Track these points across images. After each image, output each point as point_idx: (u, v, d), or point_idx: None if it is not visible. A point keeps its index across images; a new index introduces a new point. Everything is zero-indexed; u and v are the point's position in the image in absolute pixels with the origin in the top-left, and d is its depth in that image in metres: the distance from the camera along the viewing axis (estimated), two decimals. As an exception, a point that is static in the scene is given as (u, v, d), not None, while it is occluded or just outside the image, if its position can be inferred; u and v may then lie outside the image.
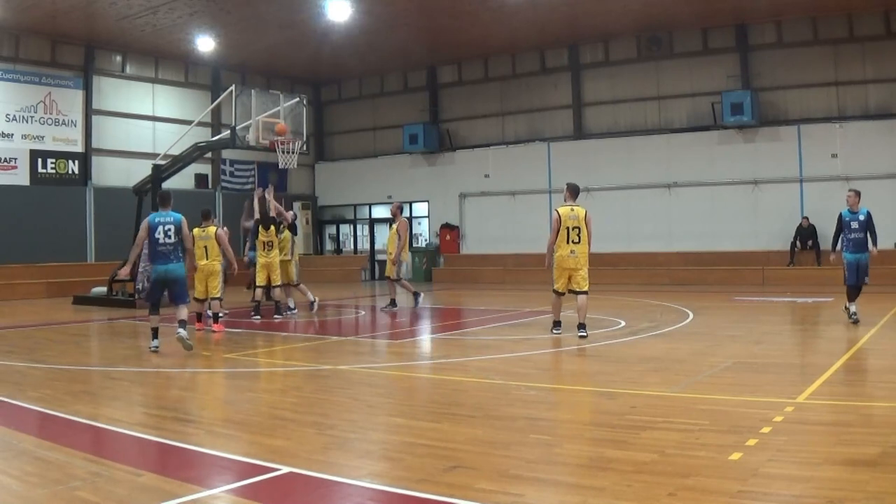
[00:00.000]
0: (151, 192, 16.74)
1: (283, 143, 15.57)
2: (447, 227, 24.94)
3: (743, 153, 20.44)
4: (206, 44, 21.42)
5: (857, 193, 11.48)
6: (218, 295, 11.97)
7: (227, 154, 24.46)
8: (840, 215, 11.36)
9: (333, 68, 26.01)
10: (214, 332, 11.53)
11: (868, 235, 11.26)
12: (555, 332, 10.31)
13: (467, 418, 5.83)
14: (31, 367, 8.51)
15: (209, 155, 22.86)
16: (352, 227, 28.43)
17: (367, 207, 27.37)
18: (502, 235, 23.78)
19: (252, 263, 14.12)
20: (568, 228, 10.03)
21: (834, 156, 19.38)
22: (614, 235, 21.85)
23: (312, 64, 25.29)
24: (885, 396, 6.22)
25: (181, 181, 20.19)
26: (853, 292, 11.11)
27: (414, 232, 26.56)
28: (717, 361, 8.02)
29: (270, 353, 9.66)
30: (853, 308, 10.94)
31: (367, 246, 27.48)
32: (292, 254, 14.22)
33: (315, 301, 14.27)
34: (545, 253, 10.25)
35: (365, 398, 6.87)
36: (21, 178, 20.43)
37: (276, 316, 13.32)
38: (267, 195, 13.93)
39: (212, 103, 20.96)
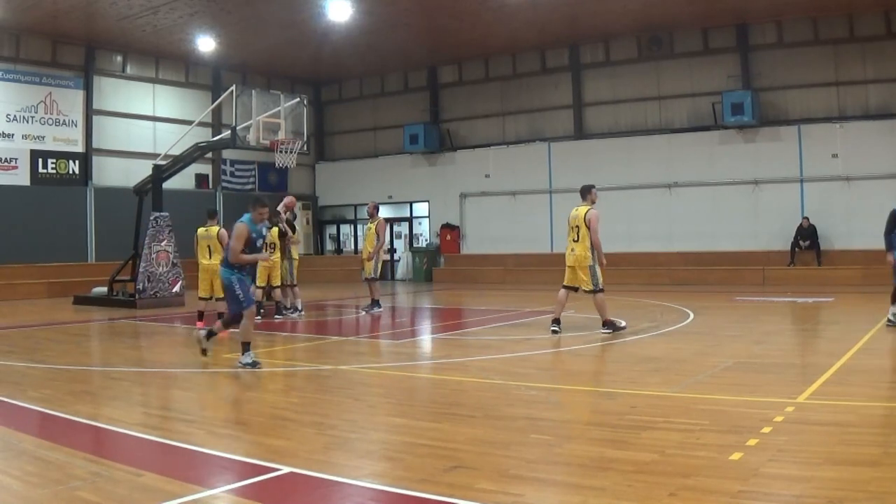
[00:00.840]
0: (152, 192, 16.77)
1: (283, 144, 15.58)
2: (447, 227, 24.94)
3: (743, 153, 20.44)
4: (206, 44, 21.42)
5: None
6: (222, 295, 11.93)
7: (227, 154, 24.47)
8: (892, 212, 10.76)
9: (334, 68, 26.02)
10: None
11: None
12: (552, 328, 10.59)
13: (468, 418, 5.83)
14: (31, 366, 8.51)
15: (210, 155, 22.87)
16: (352, 227, 28.43)
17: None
18: (503, 235, 23.78)
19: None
20: (570, 228, 11.08)
21: (834, 156, 19.38)
22: (615, 235, 21.80)
23: (313, 64, 25.29)
24: (886, 396, 6.22)
25: (181, 181, 20.21)
26: None
27: (414, 232, 26.62)
28: (718, 361, 8.02)
29: (271, 353, 9.66)
30: (893, 310, 10.32)
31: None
32: (283, 256, 14.13)
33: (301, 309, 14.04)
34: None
35: (365, 398, 6.87)
36: (21, 178, 20.44)
37: (276, 316, 13.34)
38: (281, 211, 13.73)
39: (212, 103, 20.96)
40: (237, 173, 25.59)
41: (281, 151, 15.65)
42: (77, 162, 21.58)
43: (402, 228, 26.95)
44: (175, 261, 16.66)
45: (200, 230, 12.09)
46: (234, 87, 15.66)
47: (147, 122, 23.20)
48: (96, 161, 21.96)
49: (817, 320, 12.71)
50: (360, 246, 27.83)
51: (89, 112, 21.76)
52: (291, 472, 4.43)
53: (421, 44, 23.16)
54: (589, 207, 10.85)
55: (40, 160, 20.82)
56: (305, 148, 16.67)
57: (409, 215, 26.59)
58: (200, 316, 12.07)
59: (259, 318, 13.16)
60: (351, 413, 6.24)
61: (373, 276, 14.17)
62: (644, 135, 22.05)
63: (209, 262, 11.86)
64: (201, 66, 24.19)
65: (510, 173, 23.78)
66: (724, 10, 19.68)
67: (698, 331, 10.97)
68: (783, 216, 19.87)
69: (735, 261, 20.30)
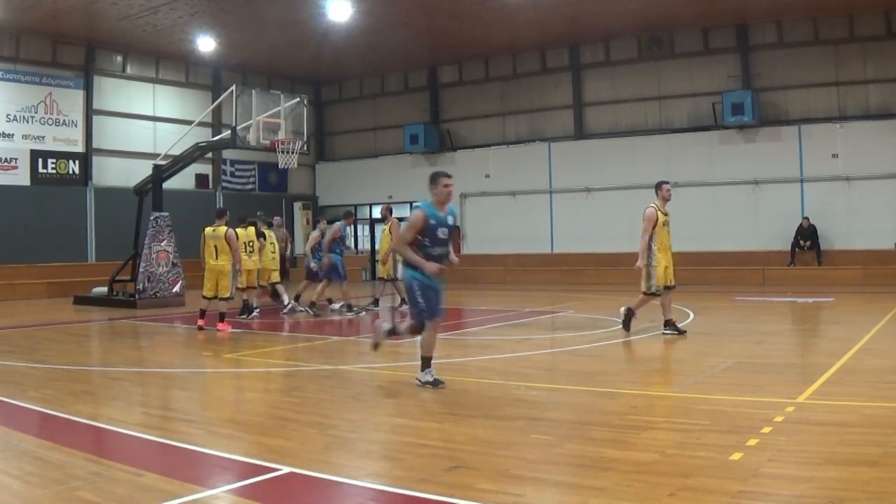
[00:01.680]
0: (152, 192, 16.77)
1: (283, 144, 15.58)
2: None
3: (743, 153, 20.44)
4: (206, 44, 21.41)
5: None
6: (227, 295, 11.95)
7: (227, 154, 24.46)
8: None
9: (334, 68, 26.01)
10: (219, 331, 11.50)
11: None
12: (667, 331, 9.99)
13: (468, 418, 5.83)
14: (31, 367, 8.51)
15: (210, 155, 22.87)
16: (352, 227, 28.39)
17: (368, 207, 27.34)
18: (503, 235, 23.77)
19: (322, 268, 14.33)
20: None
21: (834, 156, 19.38)
22: (614, 235, 21.84)
23: (313, 64, 25.28)
24: (886, 396, 6.22)
25: (182, 181, 20.20)
26: None
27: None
28: (718, 361, 8.02)
29: (271, 353, 9.66)
30: None
31: (367, 246, 27.48)
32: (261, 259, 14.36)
33: (256, 310, 14.03)
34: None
35: (365, 398, 6.87)
36: (21, 178, 20.43)
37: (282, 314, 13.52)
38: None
39: (212, 103, 20.96)
40: (237, 173, 25.59)
41: (281, 151, 15.65)
42: (77, 162, 21.58)
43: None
44: (175, 261, 16.66)
45: (208, 230, 12.02)
46: (234, 87, 15.67)
47: (147, 122, 23.19)
48: (96, 161, 21.96)
49: (817, 320, 12.71)
50: (360, 247, 27.90)
51: (89, 112, 21.76)
52: (291, 472, 4.43)
53: (421, 44, 23.15)
54: (650, 205, 10.19)
55: (40, 160, 20.81)
56: (305, 148, 16.68)
57: (409, 215, 26.55)
58: (202, 314, 11.99)
59: (245, 317, 13.28)
60: (351, 413, 6.24)
61: (393, 276, 14.39)
62: (644, 135, 22.05)
63: (216, 262, 11.80)
64: (201, 66, 24.19)
65: (510, 173, 23.78)
66: (724, 10, 19.67)
67: (698, 331, 10.96)
68: (783, 216, 19.87)
69: (735, 261, 20.30)
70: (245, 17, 19.59)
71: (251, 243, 13.84)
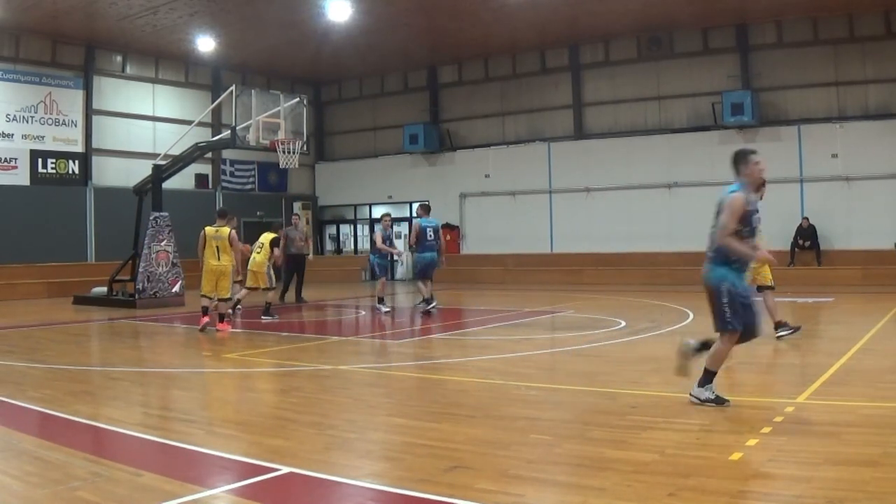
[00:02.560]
0: (152, 192, 16.77)
1: (283, 144, 15.58)
2: (447, 227, 24.88)
3: (743, 153, 20.40)
4: (206, 44, 21.41)
5: None
6: (226, 296, 11.84)
7: (227, 154, 24.45)
8: None
9: (334, 68, 26.01)
10: (219, 331, 11.48)
11: None
12: (781, 333, 9.38)
13: (467, 418, 5.83)
14: (31, 367, 8.51)
15: (209, 155, 22.85)
16: (352, 227, 28.44)
17: (368, 207, 27.36)
18: (502, 235, 23.77)
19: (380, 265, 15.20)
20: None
21: (834, 156, 19.38)
22: (614, 235, 21.87)
23: (313, 64, 25.28)
24: (886, 396, 6.22)
25: (181, 181, 20.20)
26: None
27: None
28: (718, 361, 8.00)
29: (271, 353, 9.66)
30: None
31: (367, 246, 27.47)
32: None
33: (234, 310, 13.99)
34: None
35: (365, 398, 6.87)
36: (21, 178, 20.43)
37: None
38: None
39: (212, 103, 20.96)
40: (237, 173, 25.58)
41: (281, 152, 15.65)
42: (77, 162, 21.58)
43: (402, 228, 26.95)
44: (175, 261, 16.66)
45: (209, 229, 11.79)
46: (233, 87, 15.67)
47: (147, 122, 23.19)
48: (96, 161, 21.96)
49: (817, 320, 12.70)
50: (360, 246, 27.92)
51: (89, 112, 21.75)
52: (291, 472, 4.43)
53: (421, 44, 23.16)
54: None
55: (40, 160, 20.81)
56: (305, 148, 16.67)
57: (408, 215, 26.57)
58: (205, 311, 11.76)
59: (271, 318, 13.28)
60: (351, 413, 6.24)
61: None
62: (644, 135, 22.05)
63: (217, 262, 11.59)
64: (201, 66, 24.18)
65: (510, 173, 23.78)
66: (723, 10, 19.67)
67: (698, 331, 10.91)
68: (783, 216, 19.83)
69: (735, 261, 20.26)
70: (245, 17, 19.59)
71: (262, 245, 13.95)
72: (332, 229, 29.01)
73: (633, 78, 22.28)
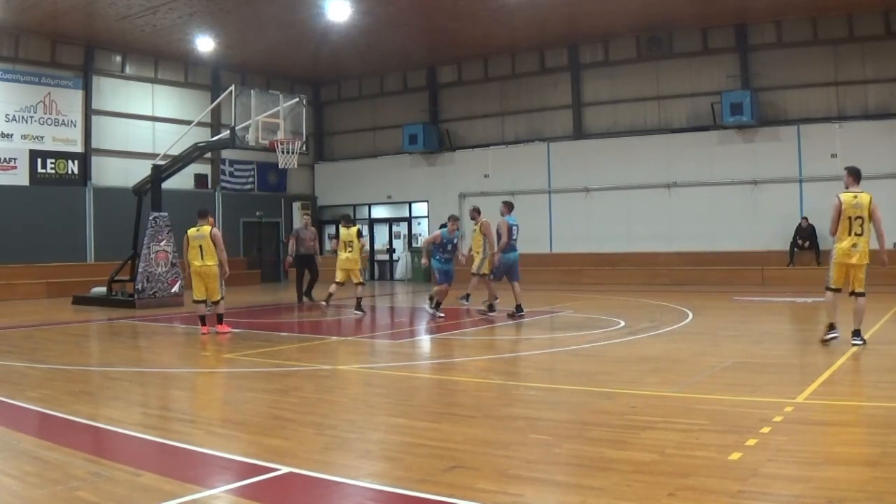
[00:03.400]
0: (151, 192, 16.76)
1: (282, 144, 15.57)
2: (447, 227, 24.90)
3: (742, 153, 20.43)
4: (205, 44, 21.41)
5: None
6: (217, 298, 11.64)
7: (226, 154, 24.45)
8: None
9: (333, 68, 26.01)
10: (219, 333, 11.40)
11: None
12: (829, 336, 8.90)
13: (467, 418, 5.83)
14: (30, 367, 8.50)
15: (209, 155, 22.86)
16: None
17: (367, 207, 27.36)
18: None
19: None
20: (850, 218, 9.27)
21: (833, 156, 19.35)
22: (614, 235, 21.89)
23: (312, 64, 25.28)
24: (885, 396, 6.22)
25: (181, 181, 20.22)
26: None
27: (414, 232, 26.59)
28: (717, 361, 8.02)
29: (270, 353, 9.66)
30: None
31: (366, 246, 27.47)
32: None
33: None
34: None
35: (365, 398, 6.87)
36: (21, 178, 20.42)
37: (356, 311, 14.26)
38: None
39: (211, 103, 20.96)
40: (236, 173, 25.58)
41: (281, 152, 15.65)
42: (76, 162, 21.57)
43: (402, 228, 26.96)
44: (174, 261, 16.64)
45: (191, 231, 11.55)
46: (233, 87, 15.66)
47: (146, 122, 23.19)
48: (95, 161, 21.95)
49: (817, 320, 12.69)
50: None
51: (88, 112, 21.75)
52: (290, 472, 4.43)
53: (420, 44, 23.15)
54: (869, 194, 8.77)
55: (39, 160, 20.81)
56: (304, 148, 16.68)
57: (408, 215, 26.59)
58: (203, 321, 11.51)
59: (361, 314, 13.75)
60: (350, 413, 6.24)
61: (476, 271, 14.24)
62: (643, 135, 22.05)
63: (201, 263, 11.36)
64: (200, 66, 24.18)
65: (509, 173, 23.77)
66: (723, 10, 19.68)
67: (698, 331, 10.97)
68: (782, 216, 19.87)
69: (734, 261, 20.30)
70: (244, 17, 19.58)
71: (351, 242, 14.91)
72: (331, 229, 28.97)
73: (632, 78, 22.28)
